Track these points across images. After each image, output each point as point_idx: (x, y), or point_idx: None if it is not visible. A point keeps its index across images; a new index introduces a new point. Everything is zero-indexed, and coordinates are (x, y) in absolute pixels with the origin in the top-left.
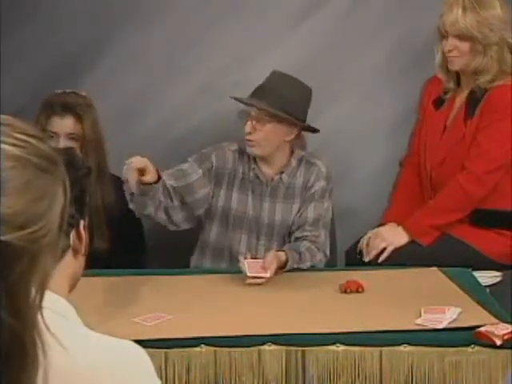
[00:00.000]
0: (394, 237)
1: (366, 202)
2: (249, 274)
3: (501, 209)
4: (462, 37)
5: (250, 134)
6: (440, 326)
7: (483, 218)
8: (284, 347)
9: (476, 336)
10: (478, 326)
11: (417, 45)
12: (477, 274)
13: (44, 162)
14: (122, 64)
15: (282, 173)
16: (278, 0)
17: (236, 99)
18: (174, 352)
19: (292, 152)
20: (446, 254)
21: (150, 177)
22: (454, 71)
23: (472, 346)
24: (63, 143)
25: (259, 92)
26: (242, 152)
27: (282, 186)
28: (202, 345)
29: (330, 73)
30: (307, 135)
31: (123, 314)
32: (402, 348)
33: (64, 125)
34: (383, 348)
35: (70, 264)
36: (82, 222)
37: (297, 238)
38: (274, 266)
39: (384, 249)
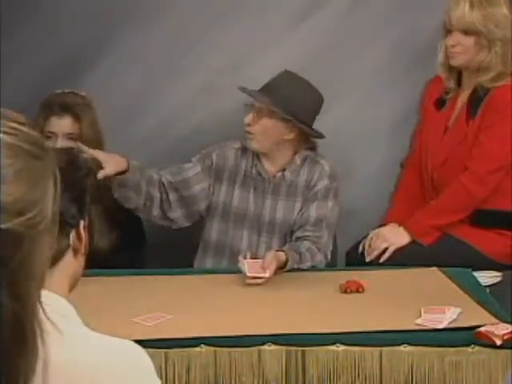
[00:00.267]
0: (395, 237)
1: (367, 203)
2: (248, 274)
3: (501, 209)
4: (467, 31)
5: (249, 125)
6: (440, 326)
7: (484, 218)
8: (284, 347)
9: (476, 336)
10: (478, 326)
11: (417, 45)
12: (477, 274)
13: (36, 149)
14: (122, 64)
15: (284, 170)
16: (277, 0)
17: (241, 90)
18: (173, 352)
19: (296, 151)
20: (446, 254)
21: (110, 168)
22: (455, 70)
23: (472, 346)
24: (61, 143)
25: (265, 87)
26: (244, 149)
27: (285, 183)
28: (202, 345)
29: (330, 73)
30: None
31: (123, 314)
32: (402, 348)
33: (62, 125)
34: (383, 348)
35: (70, 264)
36: (82, 222)
37: (298, 238)
38: (273, 266)
39: (385, 249)
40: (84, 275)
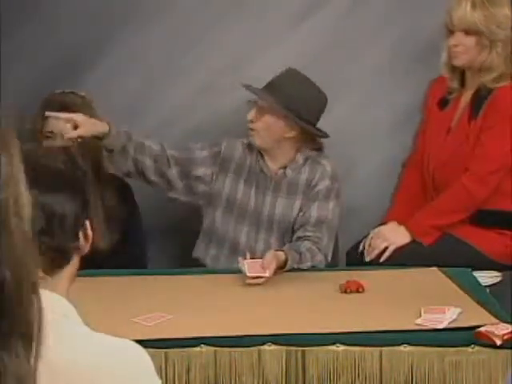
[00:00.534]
0: (395, 236)
1: (367, 203)
2: (248, 274)
3: (502, 209)
4: (468, 31)
5: (251, 122)
6: (440, 326)
7: (484, 218)
8: (284, 347)
9: (476, 336)
10: (478, 326)
11: (417, 45)
12: (477, 274)
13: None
14: (122, 64)
15: (285, 168)
16: (277, 0)
17: (245, 87)
18: (174, 352)
19: (298, 150)
20: (446, 254)
21: (84, 129)
22: (458, 70)
23: (472, 345)
24: (60, 143)
25: (268, 85)
26: (250, 145)
27: (286, 180)
28: (202, 345)
29: (330, 73)
30: None
31: (123, 314)
32: (402, 348)
33: (61, 125)
34: (383, 348)
35: (73, 264)
36: (87, 222)
37: (299, 238)
38: (273, 266)
39: (385, 248)
40: (84, 275)
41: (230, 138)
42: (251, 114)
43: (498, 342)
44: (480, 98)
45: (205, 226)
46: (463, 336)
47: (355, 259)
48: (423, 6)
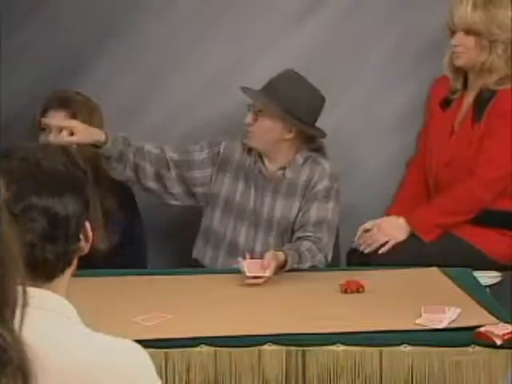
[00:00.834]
0: (396, 232)
1: (367, 203)
2: (248, 274)
3: (503, 209)
4: (468, 31)
5: (249, 125)
6: (440, 326)
7: (485, 218)
8: (284, 347)
9: (476, 336)
10: (478, 326)
11: (418, 44)
12: (477, 273)
13: None
14: (122, 64)
15: (285, 169)
16: (277, 0)
17: (242, 90)
18: (173, 352)
19: (297, 151)
20: (447, 253)
21: (80, 137)
22: (461, 71)
23: (472, 345)
24: (54, 137)
25: (266, 87)
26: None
27: (285, 182)
28: (202, 345)
29: (330, 73)
30: None
31: (123, 314)
32: (401, 348)
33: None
34: (383, 348)
35: (73, 264)
36: (87, 223)
37: (298, 238)
38: (273, 266)
39: (385, 242)
40: (84, 275)
41: (229, 139)
42: (249, 118)
43: (498, 342)
44: (483, 100)
45: (203, 226)
46: (463, 336)
47: (356, 259)
48: (424, 6)
